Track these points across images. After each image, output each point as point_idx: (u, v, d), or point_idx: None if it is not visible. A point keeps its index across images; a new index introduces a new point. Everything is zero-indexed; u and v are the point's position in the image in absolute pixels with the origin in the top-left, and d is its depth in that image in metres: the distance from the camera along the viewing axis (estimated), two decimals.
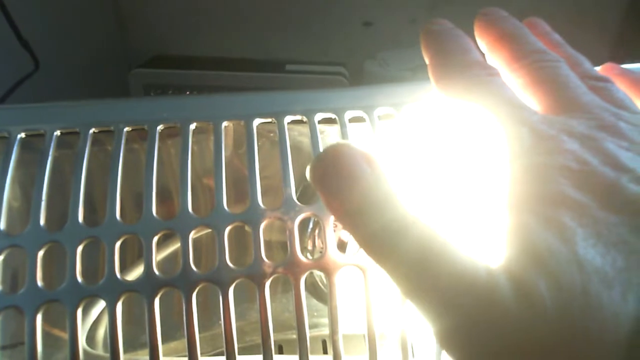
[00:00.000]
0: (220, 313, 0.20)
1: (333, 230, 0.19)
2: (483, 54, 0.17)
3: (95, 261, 0.19)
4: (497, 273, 0.11)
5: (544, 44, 0.17)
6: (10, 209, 0.19)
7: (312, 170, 0.14)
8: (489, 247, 0.13)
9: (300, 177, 0.21)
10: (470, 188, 0.17)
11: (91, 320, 0.21)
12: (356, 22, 0.62)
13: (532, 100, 0.15)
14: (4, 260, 0.18)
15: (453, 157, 0.18)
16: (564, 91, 0.15)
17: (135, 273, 0.22)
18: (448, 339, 0.11)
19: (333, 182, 0.13)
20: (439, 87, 0.16)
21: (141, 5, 0.56)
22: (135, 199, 0.22)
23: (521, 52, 0.16)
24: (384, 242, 0.12)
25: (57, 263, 0.19)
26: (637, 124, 0.14)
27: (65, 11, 0.43)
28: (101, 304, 0.21)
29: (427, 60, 0.17)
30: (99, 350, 0.22)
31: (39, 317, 0.17)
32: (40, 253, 0.18)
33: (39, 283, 0.17)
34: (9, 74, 0.34)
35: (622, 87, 0.16)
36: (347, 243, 0.20)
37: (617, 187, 0.12)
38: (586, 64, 0.17)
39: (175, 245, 0.25)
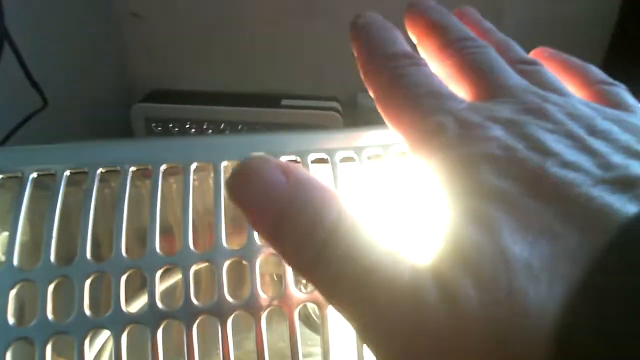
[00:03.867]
0: (217, 343, 0.21)
1: None
2: (414, 47, 0.17)
3: (96, 292, 0.20)
4: (423, 271, 0.11)
5: (473, 31, 0.17)
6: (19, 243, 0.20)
7: (227, 185, 0.13)
8: (424, 247, 0.13)
9: None
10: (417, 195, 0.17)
11: (95, 351, 0.22)
12: (349, 55, 0.64)
13: (460, 89, 0.15)
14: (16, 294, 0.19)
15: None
16: (490, 76, 0.14)
17: (137, 304, 0.23)
18: (366, 335, 0.11)
19: (249, 194, 0.12)
20: (366, 81, 0.16)
21: (141, 42, 0.58)
22: (137, 233, 0.23)
23: (447, 41, 0.16)
24: (304, 250, 0.12)
25: (61, 295, 0.20)
26: (563, 105, 0.13)
27: (68, 51, 0.45)
28: (104, 335, 0.22)
29: (355, 54, 0.17)
30: None
31: (49, 348, 0.18)
32: (51, 287, 0.19)
33: (49, 316, 0.18)
34: (15, 109, 0.35)
35: (552, 69, 0.16)
36: None
37: (542, 172, 0.11)
38: (515, 48, 0.17)
39: (174, 279, 0.26)
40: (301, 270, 0.12)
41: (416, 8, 0.17)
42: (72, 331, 0.18)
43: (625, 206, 0.10)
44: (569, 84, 0.16)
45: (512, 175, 0.11)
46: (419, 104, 0.14)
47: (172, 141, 0.25)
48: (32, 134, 0.36)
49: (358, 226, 0.12)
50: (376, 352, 0.11)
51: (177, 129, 0.48)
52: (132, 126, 0.49)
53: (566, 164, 0.11)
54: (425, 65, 0.15)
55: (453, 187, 0.12)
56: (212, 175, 0.23)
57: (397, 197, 0.19)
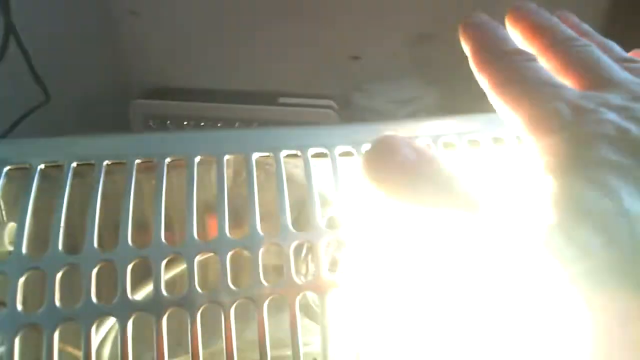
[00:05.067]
0: (217, 332, 0.22)
1: (324, 254, 0.21)
2: (519, 46, 0.18)
3: (100, 283, 0.21)
4: (551, 231, 0.12)
5: (575, 32, 0.18)
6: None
7: (363, 167, 0.15)
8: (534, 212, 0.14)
9: (294, 205, 0.23)
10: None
11: (99, 339, 0.23)
12: (344, 55, 0.65)
13: (568, 82, 0.17)
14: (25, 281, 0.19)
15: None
16: (598, 70, 0.16)
17: (141, 294, 0.23)
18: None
19: (383, 173, 0.15)
20: (480, 74, 0.17)
21: (139, 40, 0.58)
22: (138, 225, 0.23)
23: (554, 40, 0.17)
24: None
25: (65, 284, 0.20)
26: None
27: (66, 47, 0.45)
28: (108, 324, 0.23)
29: (466, 51, 0.18)
30: None
31: (57, 335, 0.18)
32: (59, 275, 0.19)
33: (57, 303, 0.19)
34: (17, 102, 0.36)
35: None
36: (338, 264, 0.22)
37: None
38: (617, 48, 0.18)
39: (173, 271, 0.26)
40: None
41: (521, 10, 0.19)
42: (80, 318, 0.19)
43: None
44: None
45: (628, 152, 0.13)
46: (535, 93, 0.15)
47: (175, 135, 0.26)
48: (29, 128, 0.36)
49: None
50: None
51: (173, 126, 0.49)
52: (130, 122, 0.49)
53: None
54: (536, 60, 0.17)
55: (574, 161, 0.14)
56: (214, 168, 0.23)
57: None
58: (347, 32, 0.62)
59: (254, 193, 0.22)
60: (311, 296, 0.24)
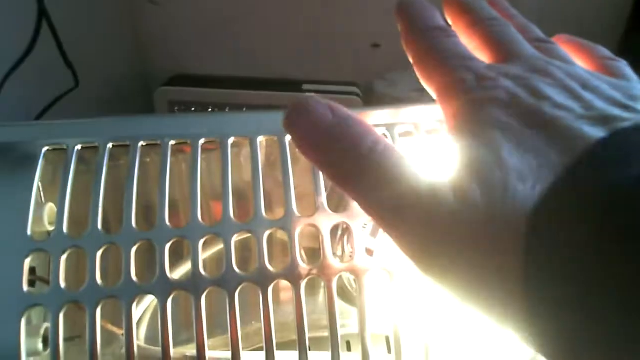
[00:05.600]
0: (253, 313, 0.22)
1: (361, 235, 0.21)
2: (448, 24, 0.20)
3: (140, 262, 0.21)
4: (442, 184, 0.14)
5: (500, 15, 0.20)
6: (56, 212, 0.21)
7: (283, 120, 0.16)
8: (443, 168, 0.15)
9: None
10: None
11: (137, 317, 0.23)
12: (365, 43, 0.64)
13: (482, 56, 0.18)
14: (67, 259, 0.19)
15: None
16: (507, 45, 0.18)
17: (177, 273, 0.23)
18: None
19: (301, 126, 0.16)
20: (406, 49, 0.19)
21: (163, 28, 0.59)
22: (171, 205, 0.23)
23: (476, 19, 0.19)
24: (347, 164, 0.15)
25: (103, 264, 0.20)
26: (565, 69, 0.16)
27: (93, 35, 0.46)
28: (144, 303, 0.23)
29: (399, 28, 0.20)
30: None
31: (99, 312, 0.19)
32: (99, 254, 0.19)
33: (99, 281, 0.19)
34: (46, 88, 0.36)
35: (566, 49, 0.19)
36: (373, 250, 0.22)
37: (538, 110, 0.15)
38: (535, 30, 0.20)
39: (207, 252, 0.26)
40: (342, 183, 0.15)
41: None
42: (121, 296, 0.19)
43: (596, 134, 0.13)
44: (578, 59, 0.19)
45: (515, 113, 0.15)
46: (446, 64, 0.17)
47: (209, 117, 0.26)
48: (56, 115, 0.37)
49: (390, 147, 0.15)
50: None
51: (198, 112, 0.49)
52: (155, 109, 0.49)
53: (557, 105, 0.15)
54: (456, 36, 0.18)
55: (469, 121, 0.15)
56: (247, 150, 0.23)
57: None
58: (368, 19, 0.61)
59: (288, 175, 0.22)
60: (346, 278, 0.24)
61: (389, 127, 0.23)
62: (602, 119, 0.14)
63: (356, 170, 0.15)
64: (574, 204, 0.12)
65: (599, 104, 0.15)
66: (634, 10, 0.58)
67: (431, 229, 0.14)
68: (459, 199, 0.14)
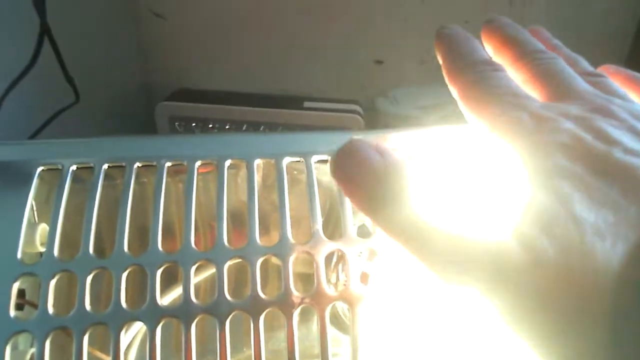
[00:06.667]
0: (245, 339, 0.21)
1: (356, 263, 0.20)
2: (489, 56, 0.19)
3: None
4: (506, 237, 0.13)
5: (544, 46, 0.19)
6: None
7: (331, 165, 0.15)
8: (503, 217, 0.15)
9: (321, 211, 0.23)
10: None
11: (126, 343, 0.22)
12: (368, 60, 0.64)
13: (534, 93, 0.17)
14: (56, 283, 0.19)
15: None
16: (561, 82, 0.17)
17: (166, 299, 0.23)
18: (480, 298, 0.13)
19: (349, 171, 0.15)
20: (450, 82, 0.18)
21: (165, 43, 0.59)
22: (164, 229, 0.23)
23: (523, 52, 0.18)
24: (406, 227, 0.14)
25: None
26: (626, 107, 0.15)
27: (94, 50, 0.46)
28: (134, 328, 0.23)
29: (440, 60, 0.19)
30: None
31: (86, 339, 0.18)
32: (89, 278, 0.19)
33: (87, 306, 0.19)
34: (46, 103, 0.36)
35: (616, 81, 0.18)
36: (369, 276, 0.22)
37: (607, 157, 0.13)
38: (583, 62, 0.19)
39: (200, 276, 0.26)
40: (394, 236, 0.14)
41: (494, 23, 0.20)
42: (109, 322, 0.18)
43: None
44: (632, 93, 0.18)
45: (582, 160, 0.14)
46: (499, 102, 0.16)
47: (205, 138, 0.26)
48: (57, 130, 0.37)
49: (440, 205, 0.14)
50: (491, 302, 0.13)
51: (199, 128, 0.49)
52: (156, 124, 0.49)
53: (628, 151, 0.13)
54: (504, 70, 0.17)
55: (531, 169, 0.14)
56: (244, 171, 0.23)
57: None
58: (371, 36, 0.61)
59: (284, 199, 0.22)
60: (340, 306, 0.24)
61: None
62: None
63: (403, 225, 0.14)
64: None
65: None
66: None
67: (495, 286, 0.13)
68: (526, 252, 0.13)
